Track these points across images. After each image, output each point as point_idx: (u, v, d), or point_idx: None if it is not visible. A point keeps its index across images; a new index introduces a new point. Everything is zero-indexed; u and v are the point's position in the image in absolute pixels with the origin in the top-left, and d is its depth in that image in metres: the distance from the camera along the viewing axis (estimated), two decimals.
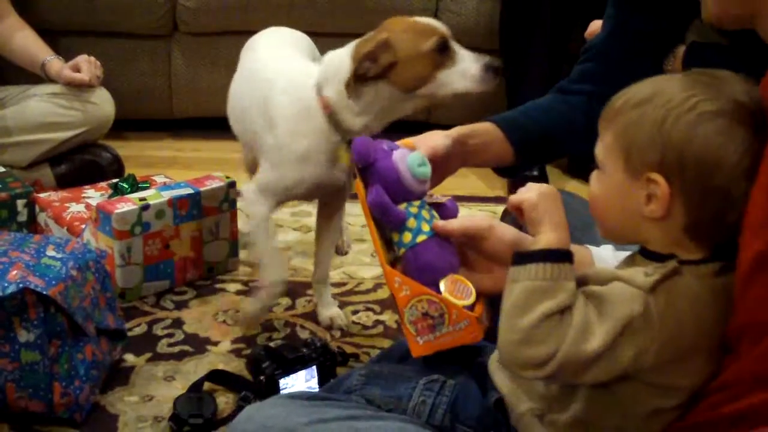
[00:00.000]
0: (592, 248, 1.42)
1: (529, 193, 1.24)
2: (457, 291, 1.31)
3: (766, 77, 1.32)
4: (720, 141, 1.11)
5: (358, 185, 1.39)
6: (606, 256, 1.39)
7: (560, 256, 1.17)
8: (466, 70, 1.84)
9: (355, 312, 2.26)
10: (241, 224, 2.51)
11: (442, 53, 1.84)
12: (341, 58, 1.91)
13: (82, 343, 1.79)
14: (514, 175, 3.07)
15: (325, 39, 2.44)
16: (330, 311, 2.19)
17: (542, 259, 1.16)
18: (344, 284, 2.41)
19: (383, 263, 1.33)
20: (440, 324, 1.29)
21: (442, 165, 1.56)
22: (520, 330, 1.14)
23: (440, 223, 1.36)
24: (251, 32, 3.36)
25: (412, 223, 1.35)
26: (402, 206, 1.37)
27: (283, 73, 2.06)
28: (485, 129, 1.75)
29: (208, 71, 3.47)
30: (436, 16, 3.38)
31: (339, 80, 1.89)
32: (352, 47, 1.91)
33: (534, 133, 1.79)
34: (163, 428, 1.79)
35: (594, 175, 1.23)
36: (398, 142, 1.43)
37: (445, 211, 1.43)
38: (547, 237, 1.19)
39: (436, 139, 1.56)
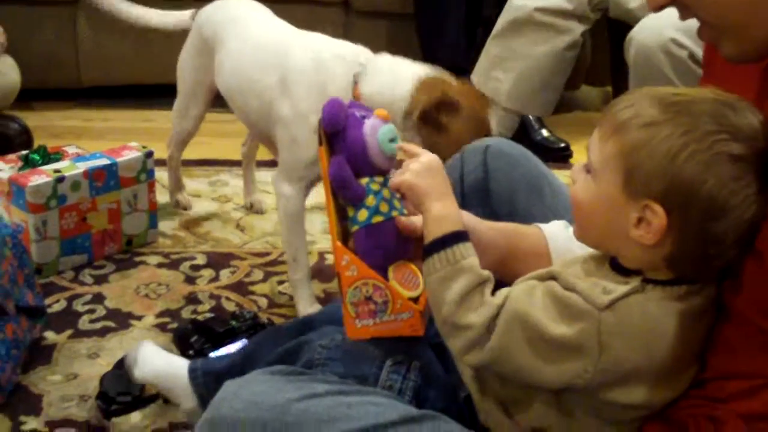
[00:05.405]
0: (543, 227, 1.39)
1: (405, 174, 1.26)
2: (404, 280, 1.28)
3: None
4: (733, 187, 1.06)
5: (322, 153, 1.32)
6: (558, 234, 1.37)
7: (450, 240, 1.18)
8: None
9: (281, 282, 2.23)
10: (159, 195, 2.46)
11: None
12: (399, 80, 1.87)
13: (2, 322, 1.72)
14: None
15: None
16: None
17: (435, 250, 1.18)
18: (268, 254, 2.37)
19: (334, 238, 1.29)
20: (382, 311, 1.26)
21: None
22: (444, 321, 1.17)
23: (404, 220, 1.30)
24: None
25: (370, 200, 1.29)
26: (364, 181, 1.30)
27: (303, 42, 2.01)
28: None
29: (116, 39, 3.35)
30: None
31: (385, 97, 1.82)
32: (415, 78, 1.86)
33: None
34: (89, 407, 1.74)
35: (580, 176, 1.17)
36: (375, 112, 1.35)
37: None
38: (432, 216, 1.21)
39: None
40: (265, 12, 2.24)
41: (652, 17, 2.30)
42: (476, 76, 2.89)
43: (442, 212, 1.22)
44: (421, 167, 1.25)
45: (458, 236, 1.20)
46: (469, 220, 1.33)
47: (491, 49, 2.87)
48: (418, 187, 1.23)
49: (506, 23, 2.82)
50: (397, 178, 1.27)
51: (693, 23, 1.19)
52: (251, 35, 2.13)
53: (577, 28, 2.80)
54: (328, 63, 1.94)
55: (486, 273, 1.18)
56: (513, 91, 2.83)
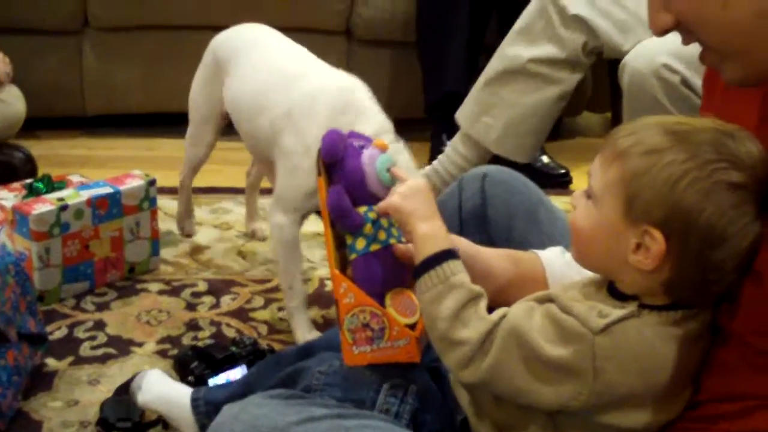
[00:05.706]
0: (540, 253, 1.41)
1: (392, 197, 1.29)
2: (402, 306, 1.30)
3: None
4: (732, 215, 1.08)
5: (321, 182, 1.34)
6: (555, 260, 1.38)
7: (439, 258, 1.21)
8: None
9: (281, 309, 2.24)
10: (162, 222, 2.47)
11: None
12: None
13: (4, 349, 1.74)
14: None
15: None
16: None
17: (425, 270, 1.21)
18: (269, 281, 2.38)
19: (332, 266, 1.31)
20: (379, 338, 1.28)
21: None
22: (440, 338, 1.19)
23: (402, 247, 1.32)
24: (168, 27, 3.35)
25: (368, 229, 1.31)
26: (362, 209, 1.32)
27: (317, 74, 2.04)
28: None
29: (121, 68, 3.39)
30: (351, 8, 3.37)
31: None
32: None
33: None
34: None
35: (581, 202, 1.19)
36: (373, 142, 1.37)
37: None
38: (419, 236, 1.23)
39: None
40: (283, 39, 2.24)
41: (645, 43, 2.31)
42: (463, 118, 2.84)
43: (429, 232, 1.24)
44: (407, 190, 1.28)
45: (447, 254, 1.21)
46: (473, 248, 1.35)
47: (480, 95, 2.81)
48: (404, 208, 1.26)
49: (498, 71, 2.75)
50: (384, 201, 1.30)
51: (686, 48, 1.20)
52: (266, 61, 2.14)
53: (569, 79, 2.71)
54: (349, 114, 1.93)
55: (478, 288, 1.19)
56: (501, 138, 2.78)
